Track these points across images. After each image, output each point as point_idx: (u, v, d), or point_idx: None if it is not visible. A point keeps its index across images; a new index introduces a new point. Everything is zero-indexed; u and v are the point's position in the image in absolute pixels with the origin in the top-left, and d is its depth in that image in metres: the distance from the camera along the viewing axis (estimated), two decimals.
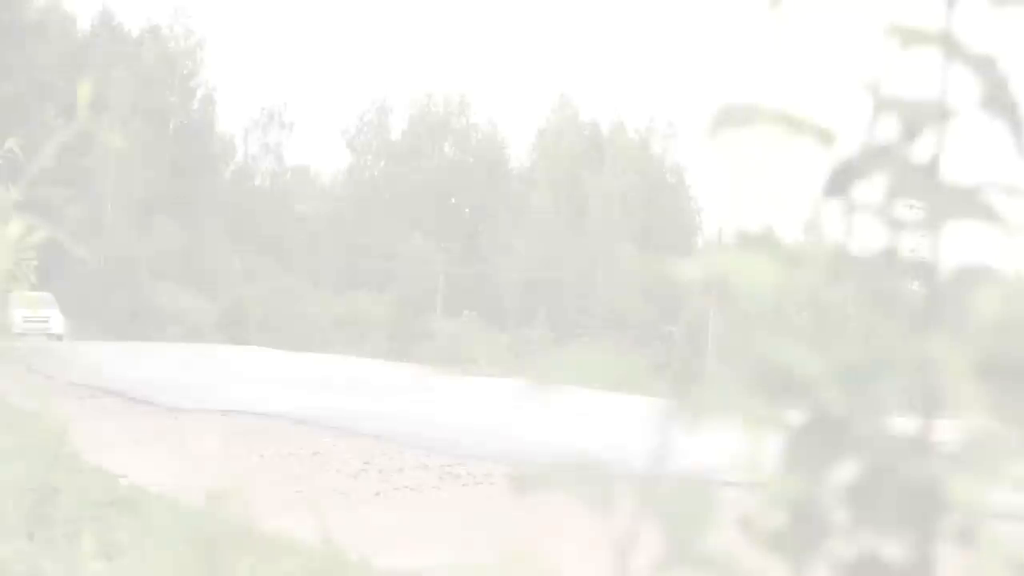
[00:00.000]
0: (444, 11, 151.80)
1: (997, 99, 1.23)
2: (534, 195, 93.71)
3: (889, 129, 1.23)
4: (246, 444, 12.80)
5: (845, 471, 1.15)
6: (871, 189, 1.20)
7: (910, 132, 1.22)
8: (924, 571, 1.18)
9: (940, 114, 1.22)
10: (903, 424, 1.12)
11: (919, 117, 1.22)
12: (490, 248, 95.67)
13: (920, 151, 1.23)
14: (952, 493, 1.15)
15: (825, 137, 1.21)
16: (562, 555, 6.49)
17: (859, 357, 1.13)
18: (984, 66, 1.24)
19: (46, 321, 51.80)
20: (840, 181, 1.20)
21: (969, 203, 1.19)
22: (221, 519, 1.46)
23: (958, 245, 1.22)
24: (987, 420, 1.15)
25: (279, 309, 78.04)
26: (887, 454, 1.13)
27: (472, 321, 70.46)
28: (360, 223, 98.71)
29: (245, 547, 1.46)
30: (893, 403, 1.10)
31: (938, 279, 1.16)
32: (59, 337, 51.75)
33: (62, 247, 2.36)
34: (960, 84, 1.23)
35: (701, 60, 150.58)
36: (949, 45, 1.21)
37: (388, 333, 70.26)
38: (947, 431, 1.33)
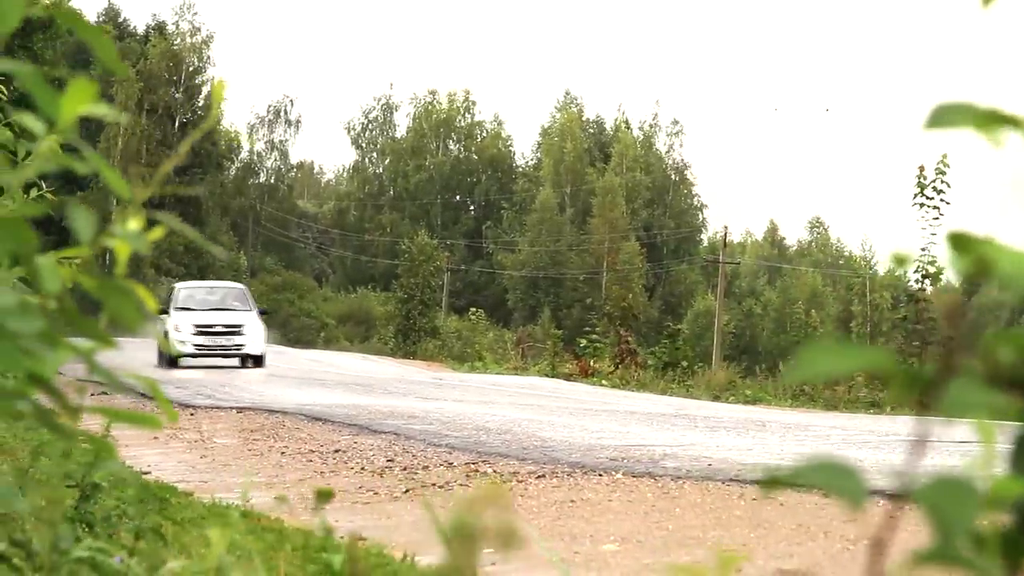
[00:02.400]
0: (449, 9, 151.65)
1: None
2: (539, 192, 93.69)
3: None
4: (265, 441, 12.80)
5: None
6: None
7: None
8: None
9: None
10: None
11: None
12: (495, 245, 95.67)
13: None
14: None
15: None
16: (604, 555, 6.48)
17: None
18: None
19: (237, 333, 30.92)
20: None
21: None
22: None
23: None
24: None
25: (284, 306, 78.06)
26: None
27: (478, 318, 70.53)
28: (365, 220, 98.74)
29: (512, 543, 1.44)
30: None
31: None
32: (258, 360, 30.99)
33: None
34: None
35: (703, 59, 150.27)
36: None
37: (393, 330, 70.30)
38: None
